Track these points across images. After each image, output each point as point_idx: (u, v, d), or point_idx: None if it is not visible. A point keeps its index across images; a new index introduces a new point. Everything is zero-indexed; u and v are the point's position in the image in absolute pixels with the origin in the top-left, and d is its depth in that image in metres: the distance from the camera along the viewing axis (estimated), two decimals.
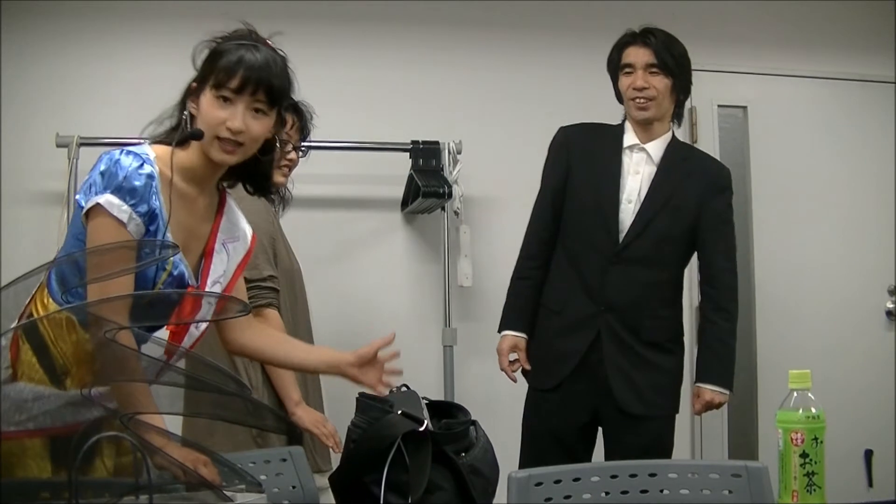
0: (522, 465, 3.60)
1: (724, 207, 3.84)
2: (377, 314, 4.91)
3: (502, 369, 3.77)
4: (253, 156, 2.50)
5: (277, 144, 2.63)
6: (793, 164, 5.46)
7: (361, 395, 2.62)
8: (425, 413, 2.55)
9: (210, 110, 2.43)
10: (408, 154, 4.77)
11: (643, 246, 3.68)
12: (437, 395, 4.55)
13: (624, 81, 3.77)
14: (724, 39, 5.49)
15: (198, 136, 2.42)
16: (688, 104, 5.25)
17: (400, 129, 4.83)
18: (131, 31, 4.68)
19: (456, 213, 4.80)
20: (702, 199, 3.76)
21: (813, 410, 1.99)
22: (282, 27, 4.89)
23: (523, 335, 3.80)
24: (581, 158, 3.82)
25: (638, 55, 3.75)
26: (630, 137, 3.80)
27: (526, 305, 3.82)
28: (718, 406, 3.78)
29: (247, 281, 3.37)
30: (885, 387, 5.37)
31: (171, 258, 2.40)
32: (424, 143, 4.77)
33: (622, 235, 3.68)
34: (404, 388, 2.72)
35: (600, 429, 3.80)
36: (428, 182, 4.62)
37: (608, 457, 3.66)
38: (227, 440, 3.35)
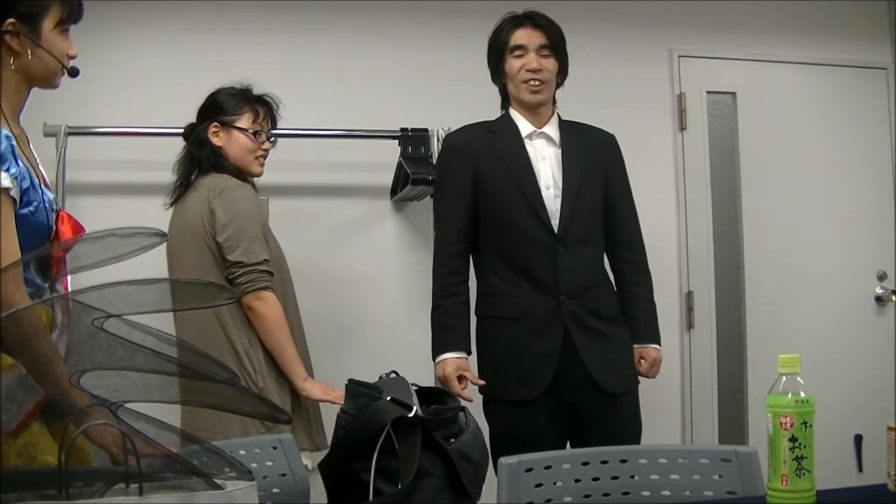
0: None
1: (625, 173, 3.93)
2: (367, 301, 4.91)
3: (457, 395, 3.55)
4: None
5: None
6: (782, 151, 5.46)
7: (350, 381, 2.62)
8: (414, 399, 2.55)
9: (59, 44, 2.53)
10: (396, 141, 4.75)
11: (580, 226, 3.67)
12: (428, 382, 4.55)
13: (514, 63, 3.73)
14: (713, 25, 5.48)
15: (75, 73, 2.60)
16: (676, 90, 5.32)
17: (388, 117, 4.81)
18: (120, 20, 4.66)
19: None
20: (607, 168, 3.83)
21: (802, 395, 1.99)
22: (270, 15, 4.93)
23: (465, 355, 3.70)
24: (487, 159, 3.75)
25: (530, 37, 3.73)
26: (525, 126, 3.77)
27: (461, 324, 3.72)
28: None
29: (244, 266, 3.45)
30: (876, 372, 5.38)
31: (51, 197, 2.55)
32: (413, 130, 4.76)
33: (556, 222, 3.65)
34: (393, 375, 2.72)
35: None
36: (417, 169, 4.61)
37: (587, 443, 3.52)
38: (237, 424, 3.39)
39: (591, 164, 3.76)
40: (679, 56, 5.39)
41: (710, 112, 5.45)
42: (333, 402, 3.47)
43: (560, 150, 3.73)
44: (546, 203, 3.65)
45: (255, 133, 3.71)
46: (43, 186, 2.53)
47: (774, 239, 5.41)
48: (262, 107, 3.77)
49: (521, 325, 3.65)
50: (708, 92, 5.44)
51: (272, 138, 3.84)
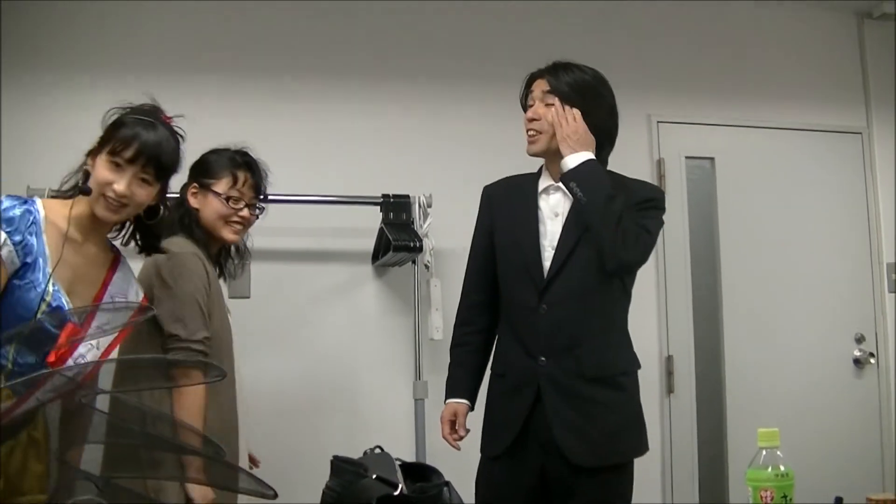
0: None
1: (637, 218, 3.51)
2: (348, 367, 4.89)
3: (444, 437, 3.56)
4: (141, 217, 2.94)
5: (162, 210, 2.99)
6: (760, 216, 5.51)
7: (336, 458, 2.63)
8: (399, 476, 2.57)
9: (102, 172, 2.79)
10: (378, 207, 4.78)
11: (566, 284, 3.45)
12: (409, 448, 4.54)
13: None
14: (691, 91, 5.55)
15: (86, 192, 2.80)
16: (656, 155, 5.35)
17: (370, 183, 4.84)
18: (83, 80, 4.68)
19: (426, 267, 4.79)
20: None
21: (781, 468, 2.01)
22: (251, 82, 4.96)
23: (464, 401, 3.64)
24: (501, 213, 3.66)
25: (535, 87, 3.56)
26: (545, 179, 3.60)
27: (465, 372, 3.68)
28: None
29: (177, 339, 3.22)
30: (855, 433, 5.41)
31: (50, 290, 2.65)
32: (395, 196, 4.79)
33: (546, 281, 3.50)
34: (378, 450, 2.73)
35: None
36: (398, 236, 4.63)
37: None
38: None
39: None
40: (658, 122, 5.45)
41: (689, 177, 5.50)
42: None
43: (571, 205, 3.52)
44: (544, 263, 3.48)
45: (231, 199, 3.54)
46: (53, 283, 2.65)
47: (753, 302, 5.44)
48: (245, 172, 3.59)
49: (504, 382, 3.57)
50: (687, 157, 5.49)
51: (256, 207, 3.65)
